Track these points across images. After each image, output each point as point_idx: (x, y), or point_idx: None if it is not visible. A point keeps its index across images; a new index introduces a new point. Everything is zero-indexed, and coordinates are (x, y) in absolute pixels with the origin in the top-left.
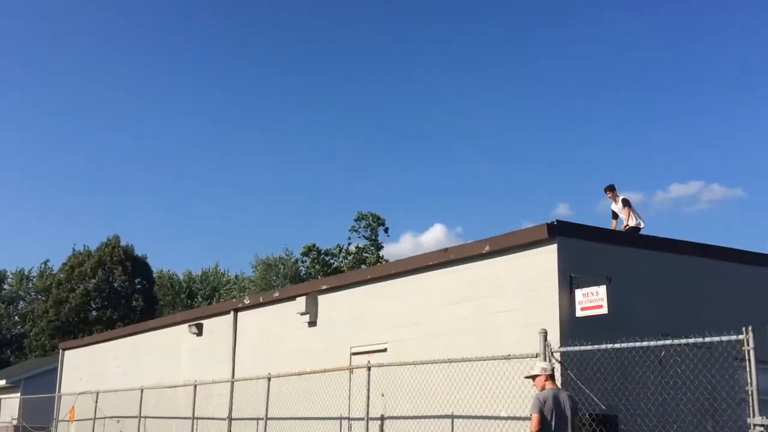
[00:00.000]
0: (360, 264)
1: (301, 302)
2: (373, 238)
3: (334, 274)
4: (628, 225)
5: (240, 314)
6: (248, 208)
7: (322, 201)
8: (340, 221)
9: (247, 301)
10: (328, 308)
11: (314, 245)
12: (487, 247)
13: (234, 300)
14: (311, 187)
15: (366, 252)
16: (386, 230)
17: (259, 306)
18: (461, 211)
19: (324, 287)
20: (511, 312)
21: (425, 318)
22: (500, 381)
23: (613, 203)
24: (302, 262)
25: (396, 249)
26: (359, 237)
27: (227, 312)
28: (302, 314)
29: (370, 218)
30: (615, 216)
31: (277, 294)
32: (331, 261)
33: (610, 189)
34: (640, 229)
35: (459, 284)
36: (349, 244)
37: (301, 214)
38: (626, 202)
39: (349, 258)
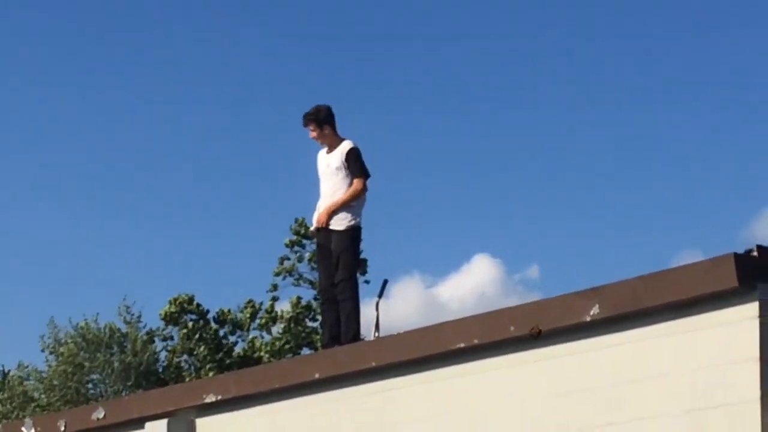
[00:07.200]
0: (296, 347)
1: None
2: None
3: (235, 369)
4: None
5: None
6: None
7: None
8: (256, 245)
9: (29, 431)
10: None
11: (190, 299)
12: (596, 309)
13: None
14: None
15: (314, 317)
16: (363, 269)
17: None
18: (531, 230)
19: (211, 398)
20: None
21: None
22: None
23: (323, 149)
24: (164, 336)
25: (391, 311)
26: (298, 282)
27: None
28: None
29: None
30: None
31: (101, 414)
32: (230, 340)
33: (314, 120)
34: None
35: (535, 395)
36: (273, 298)
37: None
38: (356, 156)
39: (277, 329)
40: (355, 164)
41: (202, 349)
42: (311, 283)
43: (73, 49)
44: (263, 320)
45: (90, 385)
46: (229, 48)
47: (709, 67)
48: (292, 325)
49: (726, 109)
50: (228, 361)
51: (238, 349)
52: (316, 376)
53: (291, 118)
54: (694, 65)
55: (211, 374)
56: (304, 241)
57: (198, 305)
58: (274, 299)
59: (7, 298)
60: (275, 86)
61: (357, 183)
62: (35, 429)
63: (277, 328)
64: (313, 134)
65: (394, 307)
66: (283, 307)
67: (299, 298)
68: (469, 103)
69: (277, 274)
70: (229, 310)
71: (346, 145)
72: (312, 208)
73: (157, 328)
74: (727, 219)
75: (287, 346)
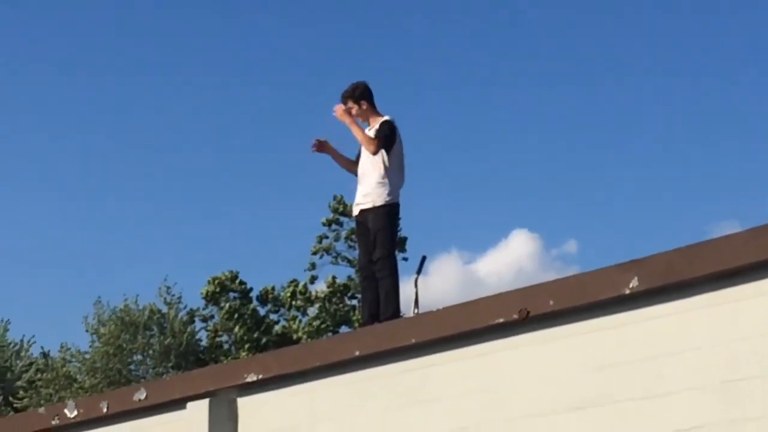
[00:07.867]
0: (333, 325)
1: (197, 414)
2: None
3: (274, 348)
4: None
5: None
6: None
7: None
8: (297, 225)
9: (71, 413)
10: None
11: (234, 276)
12: (635, 281)
13: (41, 409)
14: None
15: (352, 295)
16: (401, 246)
17: (102, 423)
18: (568, 204)
19: (252, 378)
20: None
21: None
22: None
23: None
24: (204, 317)
25: (430, 288)
26: (335, 259)
27: None
28: None
29: None
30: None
31: (143, 395)
32: (272, 318)
33: (351, 97)
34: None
35: (574, 369)
36: (312, 276)
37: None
38: (386, 126)
39: (314, 308)
40: (379, 130)
41: (238, 328)
42: (349, 261)
43: (91, 29)
44: (299, 301)
45: (132, 366)
46: (267, 22)
47: (742, 36)
48: (327, 304)
49: (762, 76)
50: (264, 340)
51: (278, 328)
52: (356, 353)
53: (329, 95)
54: (709, 35)
55: (244, 354)
56: (342, 219)
57: (241, 282)
58: (313, 278)
59: (46, 280)
60: (314, 62)
61: (373, 141)
62: (78, 410)
63: (313, 309)
64: (351, 111)
65: (433, 284)
66: (319, 287)
67: (335, 278)
68: (506, 77)
69: (315, 253)
70: (273, 288)
71: (381, 121)
72: (350, 187)
73: (197, 308)
74: (762, 189)
75: (324, 326)
